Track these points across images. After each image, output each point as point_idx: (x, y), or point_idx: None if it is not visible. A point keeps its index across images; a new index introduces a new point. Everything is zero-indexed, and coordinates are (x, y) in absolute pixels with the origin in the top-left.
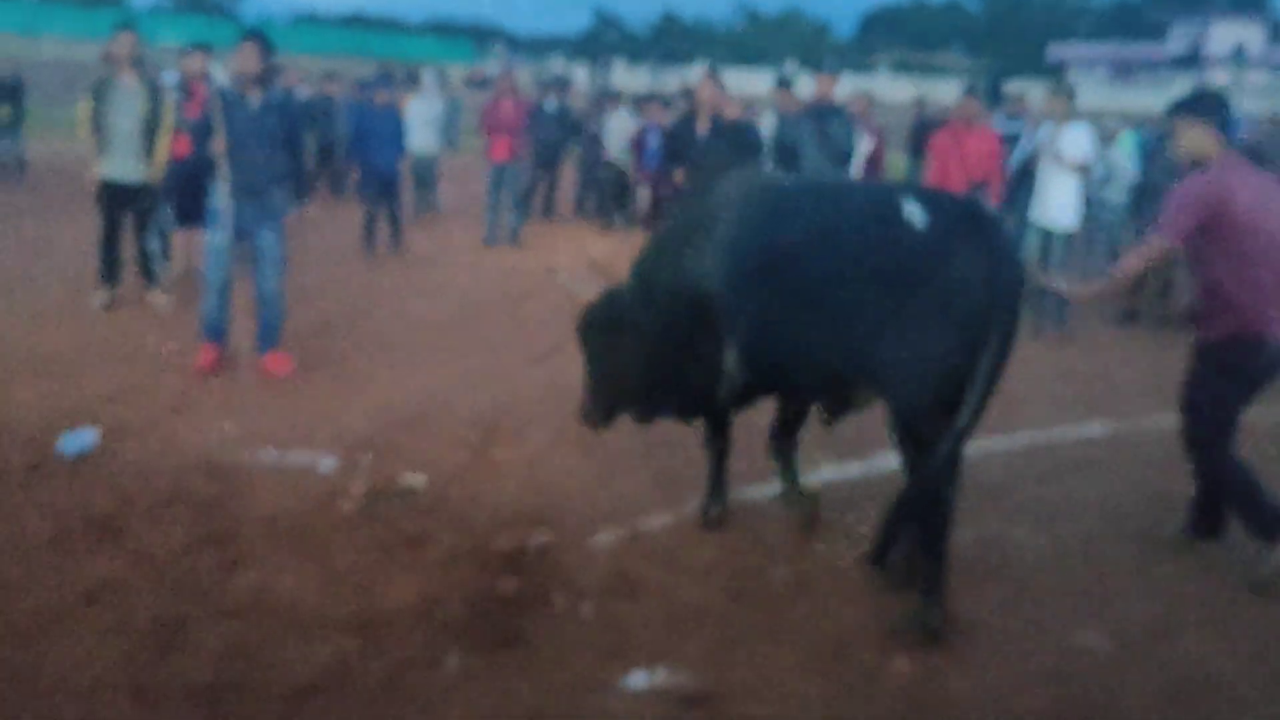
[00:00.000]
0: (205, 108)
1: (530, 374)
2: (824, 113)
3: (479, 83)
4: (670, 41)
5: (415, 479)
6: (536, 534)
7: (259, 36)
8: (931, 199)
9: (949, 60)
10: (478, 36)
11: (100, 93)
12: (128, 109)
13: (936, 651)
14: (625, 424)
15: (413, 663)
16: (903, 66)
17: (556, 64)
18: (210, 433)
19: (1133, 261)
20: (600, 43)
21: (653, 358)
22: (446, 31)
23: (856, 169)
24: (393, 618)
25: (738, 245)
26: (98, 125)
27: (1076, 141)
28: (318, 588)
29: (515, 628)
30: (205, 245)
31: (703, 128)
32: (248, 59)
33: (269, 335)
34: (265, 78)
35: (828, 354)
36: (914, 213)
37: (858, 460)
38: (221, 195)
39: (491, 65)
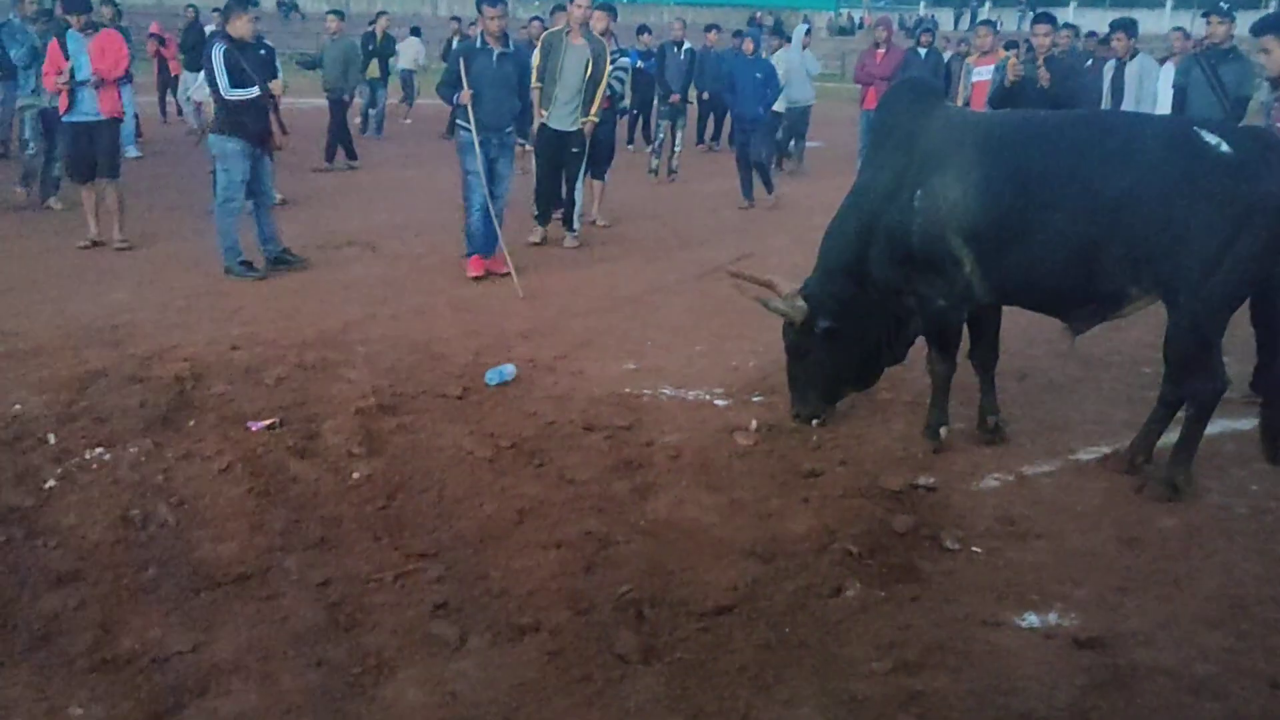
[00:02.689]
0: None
1: None
2: (1218, 56)
3: (843, 29)
4: None
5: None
6: (925, 475)
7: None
8: (1223, 129)
9: None
10: None
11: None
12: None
13: None
14: (1006, 369)
15: (815, 590)
16: None
17: (921, 8)
18: (614, 368)
19: None
20: None
21: (881, 322)
22: None
23: None
24: (793, 546)
25: (1007, 175)
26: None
27: None
28: (722, 515)
29: (909, 563)
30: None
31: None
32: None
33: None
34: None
35: (1113, 270)
36: (1215, 141)
37: (1250, 417)
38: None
39: (855, 13)
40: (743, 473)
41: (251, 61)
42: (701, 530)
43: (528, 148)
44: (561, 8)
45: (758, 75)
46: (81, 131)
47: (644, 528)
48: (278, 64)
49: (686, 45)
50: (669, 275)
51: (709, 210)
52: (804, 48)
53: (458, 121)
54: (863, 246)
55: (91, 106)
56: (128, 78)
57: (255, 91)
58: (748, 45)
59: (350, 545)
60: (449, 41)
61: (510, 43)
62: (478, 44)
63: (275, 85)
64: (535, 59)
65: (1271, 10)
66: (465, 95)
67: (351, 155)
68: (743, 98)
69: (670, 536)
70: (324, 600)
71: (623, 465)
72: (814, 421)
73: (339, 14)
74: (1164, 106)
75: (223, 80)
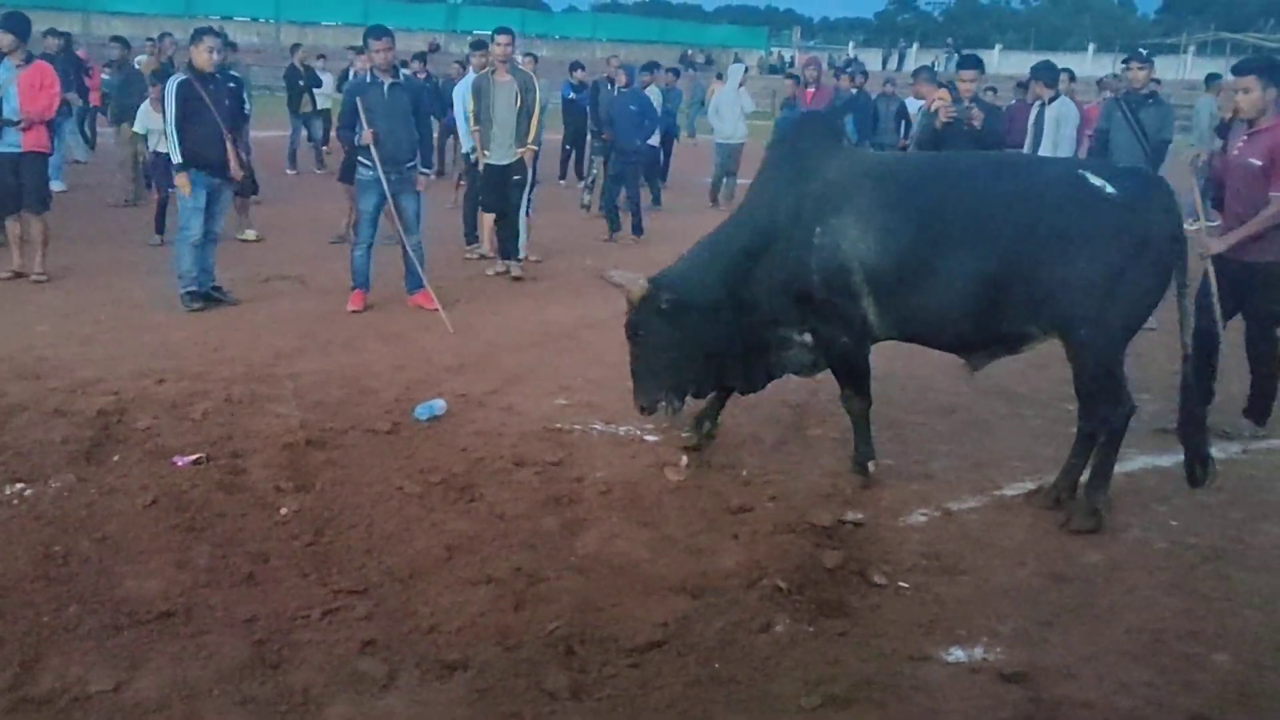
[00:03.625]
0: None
1: None
2: (1137, 101)
3: (773, 68)
4: (966, 24)
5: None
6: (852, 511)
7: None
8: (1105, 170)
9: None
10: (772, 22)
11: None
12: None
13: (1260, 648)
14: (933, 406)
15: (745, 625)
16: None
17: (850, 49)
18: (545, 403)
19: None
20: (895, 26)
21: (733, 333)
22: (742, 17)
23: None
24: (723, 582)
25: (908, 215)
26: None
27: None
28: (653, 550)
29: (838, 598)
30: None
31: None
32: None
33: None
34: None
35: (1012, 311)
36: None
37: (1170, 453)
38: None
39: (785, 52)
40: (673, 508)
41: (214, 93)
42: (632, 566)
43: (432, 177)
44: (482, 45)
45: (632, 108)
46: (5, 163)
47: (574, 564)
48: (245, 95)
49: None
50: (600, 310)
51: (642, 244)
52: (740, 85)
53: (359, 159)
54: (745, 268)
55: (15, 139)
56: (67, 109)
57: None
58: (620, 78)
59: (278, 582)
60: (344, 73)
61: (399, 73)
62: (368, 79)
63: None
64: (469, 104)
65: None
66: (367, 135)
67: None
68: (620, 129)
69: (601, 572)
70: (250, 637)
71: (553, 501)
72: (657, 414)
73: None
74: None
75: (170, 111)
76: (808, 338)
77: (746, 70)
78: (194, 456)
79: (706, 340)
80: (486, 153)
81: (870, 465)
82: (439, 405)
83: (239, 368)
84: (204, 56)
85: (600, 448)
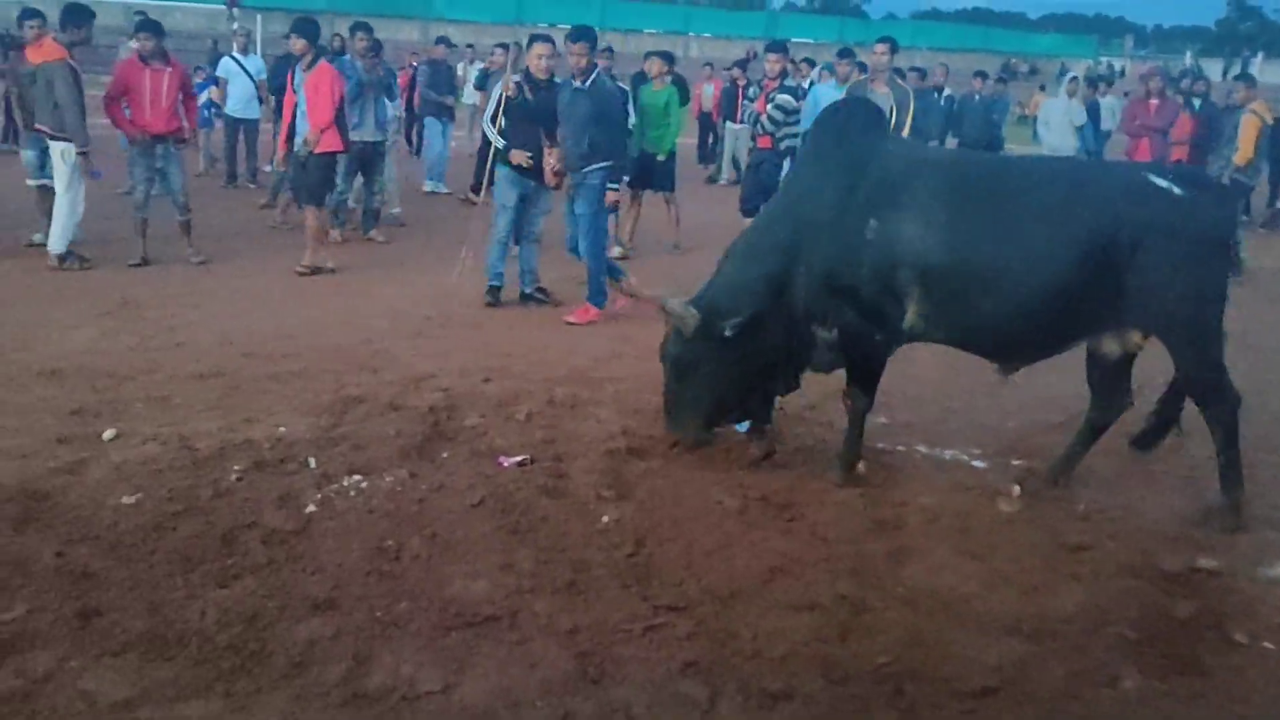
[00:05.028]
0: None
1: None
2: None
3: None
4: None
5: None
6: (1206, 557)
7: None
8: (1166, 172)
9: None
10: (1101, 30)
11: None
12: None
13: None
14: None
15: (1088, 676)
16: None
17: (1187, 59)
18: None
19: None
20: (1236, 35)
21: (770, 346)
22: (1069, 25)
23: None
24: (1062, 626)
25: (975, 214)
26: None
27: None
28: (984, 585)
29: (1193, 655)
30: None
31: None
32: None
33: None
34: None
35: (1087, 316)
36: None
37: None
38: None
39: (1116, 61)
40: (1005, 541)
41: (542, 99)
42: (962, 601)
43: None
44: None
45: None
46: (295, 159)
47: (901, 595)
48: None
49: (947, 91)
50: None
51: None
52: (1070, 96)
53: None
54: (787, 264)
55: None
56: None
57: None
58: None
59: (599, 592)
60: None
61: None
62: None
63: None
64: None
65: None
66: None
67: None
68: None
69: (929, 606)
70: (573, 648)
71: (877, 526)
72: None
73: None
74: None
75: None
76: (835, 334)
77: (1075, 79)
78: (519, 458)
79: (757, 361)
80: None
81: (861, 466)
82: None
83: (560, 370)
84: (538, 63)
85: (924, 471)
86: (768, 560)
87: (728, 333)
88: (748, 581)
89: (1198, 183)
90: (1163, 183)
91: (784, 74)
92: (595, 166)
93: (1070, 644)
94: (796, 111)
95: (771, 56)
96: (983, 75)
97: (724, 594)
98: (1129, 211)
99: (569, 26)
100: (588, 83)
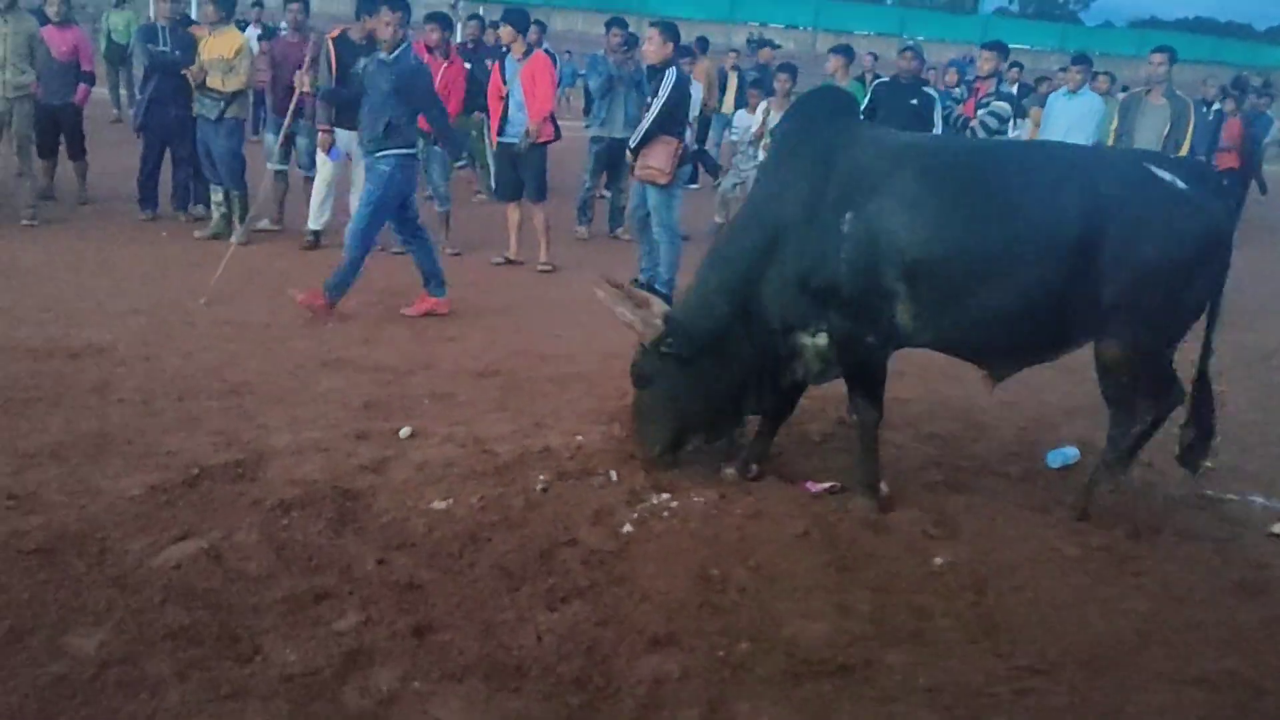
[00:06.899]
0: None
1: None
2: None
3: None
4: None
5: None
6: None
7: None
8: (1170, 162)
9: None
10: None
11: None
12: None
13: None
14: None
15: None
16: None
17: None
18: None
19: None
20: None
21: (735, 366)
22: None
23: None
24: None
25: (967, 203)
26: None
27: None
28: None
29: None
30: None
31: None
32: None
33: None
34: None
35: (1062, 312)
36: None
37: None
38: None
39: None
40: None
41: None
42: None
43: None
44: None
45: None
46: (505, 153)
47: None
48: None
49: (1215, 106)
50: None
51: None
52: None
53: None
54: (757, 268)
55: (516, 130)
56: None
57: None
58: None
59: (948, 645)
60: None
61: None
62: None
63: None
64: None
65: None
66: None
67: None
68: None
69: None
70: (939, 710)
71: (1238, 587)
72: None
73: None
74: None
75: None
76: (821, 340)
77: None
78: (828, 484)
79: (718, 383)
80: None
81: (883, 486)
82: (1073, 453)
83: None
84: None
85: (1269, 525)
86: (1128, 621)
87: (663, 349)
88: (1113, 646)
89: (1201, 177)
90: (1165, 175)
91: (998, 76)
92: (389, 152)
93: None
94: (1008, 121)
95: (985, 54)
96: (1241, 89)
97: (1086, 659)
98: (1127, 203)
99: (776, 26)
100: (392, 56)
